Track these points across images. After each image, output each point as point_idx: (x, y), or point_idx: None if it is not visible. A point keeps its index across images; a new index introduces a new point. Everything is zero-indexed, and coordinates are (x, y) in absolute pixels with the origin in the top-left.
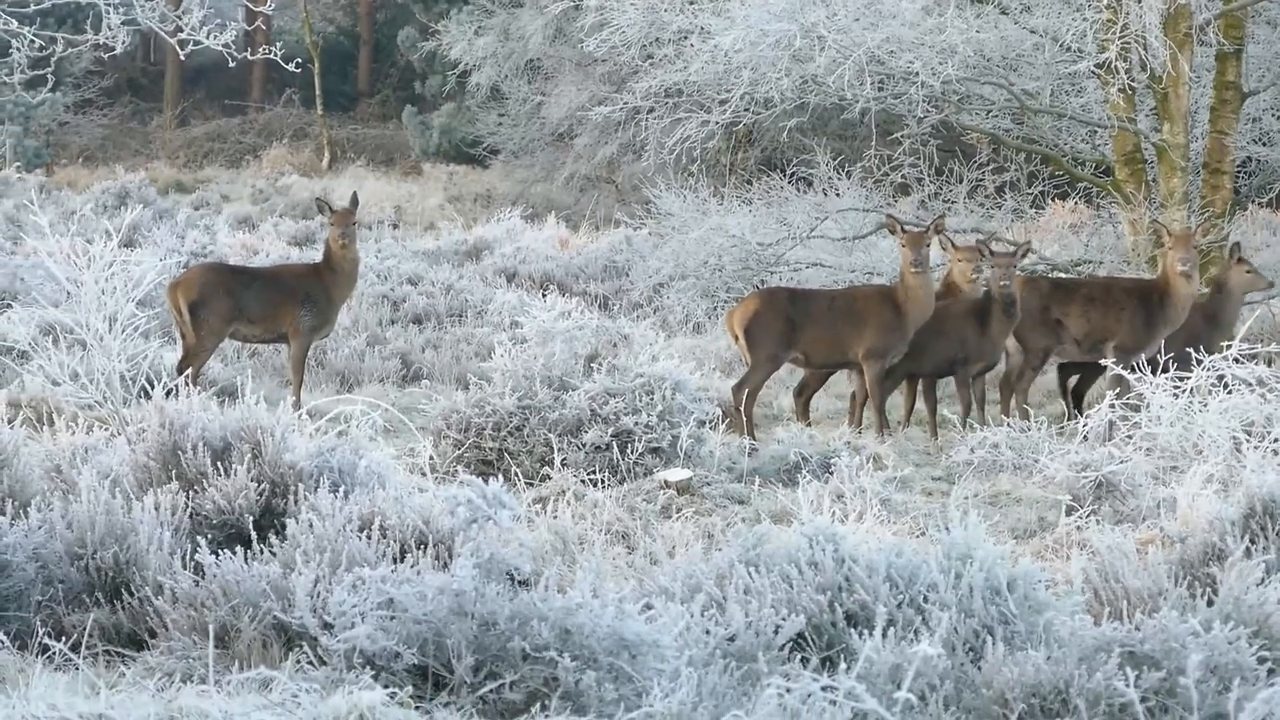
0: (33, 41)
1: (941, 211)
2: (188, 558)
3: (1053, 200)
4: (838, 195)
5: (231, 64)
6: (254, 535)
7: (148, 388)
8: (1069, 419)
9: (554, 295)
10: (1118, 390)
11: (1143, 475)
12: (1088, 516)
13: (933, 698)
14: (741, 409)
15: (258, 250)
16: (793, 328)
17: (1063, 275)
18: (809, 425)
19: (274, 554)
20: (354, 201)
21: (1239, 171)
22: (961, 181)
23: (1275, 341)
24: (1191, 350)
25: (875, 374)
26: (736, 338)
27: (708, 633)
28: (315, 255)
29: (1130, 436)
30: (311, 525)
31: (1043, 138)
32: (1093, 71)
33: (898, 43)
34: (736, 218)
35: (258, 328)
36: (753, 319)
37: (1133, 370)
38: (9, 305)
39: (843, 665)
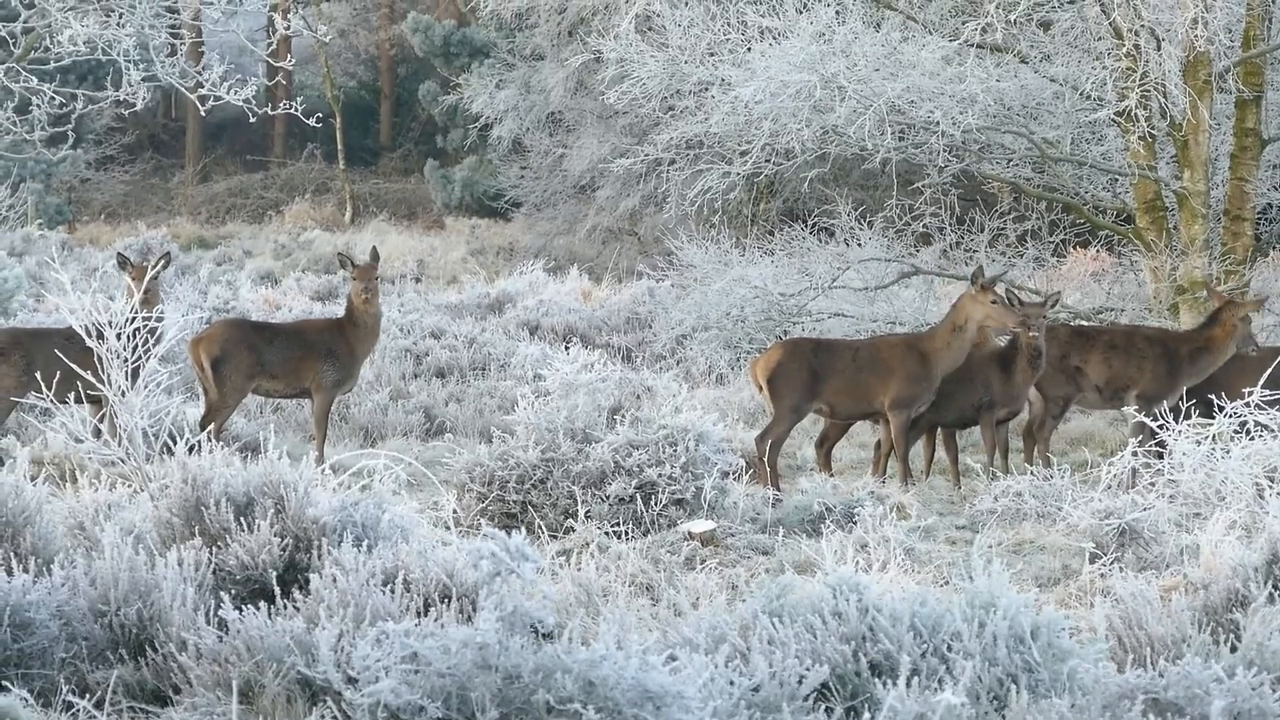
0: (53, 99)
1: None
2: (211, 613)
3: (1074, 248)
4: (859, 245)
5: (253, 119)
6: (277, 590)
7: (170, 444)
8: None
9: (577, 347)
10: (1140, 438)
11: (1166, 522)
12: (1111, 564)
13: None
14: (765, 460)
15: (280, 305)
16: (817, 379)
17: (1084, 323)
18: (832, 475)
19: (298, 609)
20: (375, 256)
21: (1260, 218)
22: (983, 230)
23: None
24: None
25: (900, 424)
26: (760, 388)
27: (732, 683)
28: (338, 310)
29: (1153, 483)
30: (335, 580)
31: (1064, 186)
32: (1113, 119)
33: (918, 92)
34: (758, 268)
35: (280, 383)
36: (776, 370)
37: (1155, 419)
38: None
39: (867, 715)
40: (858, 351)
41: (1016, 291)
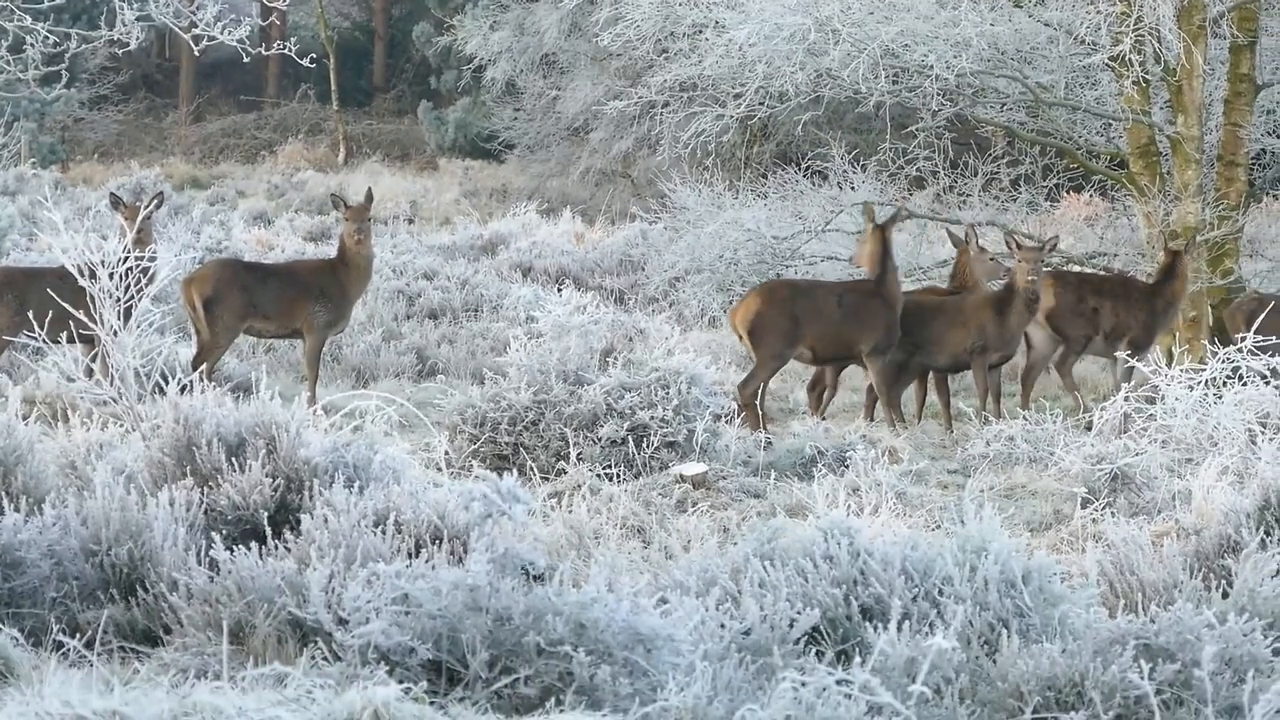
0: (47, 38)
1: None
2: (202, 554)
3: (1068, 193)
4: (853, 189)
5: (246, 59)
6: (269, 531)
7: (162, 384)
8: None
9: (569, 290)
10: (1132, 383)
11: (1158, 467)
12: (1103, 509)
13: (948, 691)
14: (748, 406)
15: (273, 246)
16: (797, 324)
17: (1084, 270)
18: (824, 419)
19: (289, 550)
20: (369, 197)
21: (1253, 164)
22: (976, 174)
23: None
24: None
25: (880, 369)
26: (741, 336)
27: (723, 626)
28: (330, 251)
29: (1145, 429)
30: (326, 521)
31: (1057, 130)
32: (1107, 64)
33: (912, 36)
34: (751, 211)
35: (272, 323)
36: (755, 317)
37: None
38: None
39: (858, 659)
40: (842, 295)
41: (1013, 235)
